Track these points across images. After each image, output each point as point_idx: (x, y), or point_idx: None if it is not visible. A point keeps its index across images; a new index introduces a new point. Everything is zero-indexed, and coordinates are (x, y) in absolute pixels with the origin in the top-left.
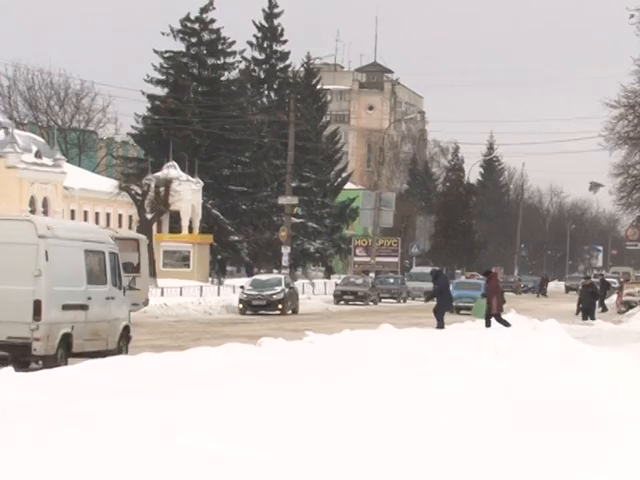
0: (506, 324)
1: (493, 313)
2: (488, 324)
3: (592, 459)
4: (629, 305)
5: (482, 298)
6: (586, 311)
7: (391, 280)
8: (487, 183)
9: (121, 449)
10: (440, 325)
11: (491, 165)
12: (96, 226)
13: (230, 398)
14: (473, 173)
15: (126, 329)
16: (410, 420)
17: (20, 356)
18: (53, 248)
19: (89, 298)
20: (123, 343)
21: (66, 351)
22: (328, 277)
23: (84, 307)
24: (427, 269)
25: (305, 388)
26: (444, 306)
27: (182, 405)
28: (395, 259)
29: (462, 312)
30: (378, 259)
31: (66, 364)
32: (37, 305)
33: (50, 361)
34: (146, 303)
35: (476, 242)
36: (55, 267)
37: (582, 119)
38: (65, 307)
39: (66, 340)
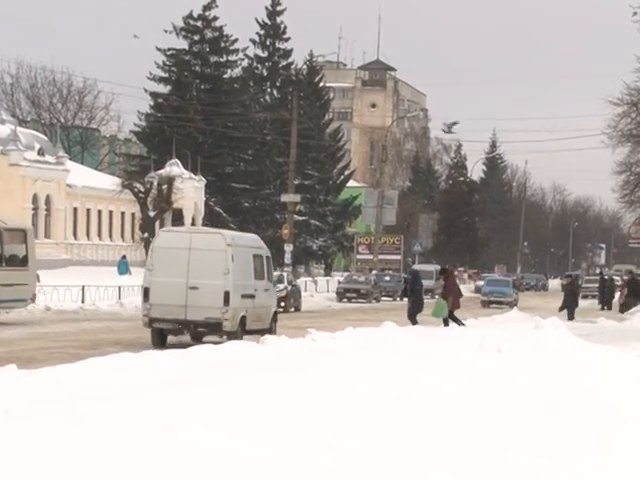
0: (447, 323)
1: (449, 309)
2: (450, 322)
3: (597, 455)
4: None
5: (441, 298)
6: (568, 310)
7: (387, 278)
8: (490, 181)
9: (126, 447)
10: (414, 322)
11: (494, 163)
12: (257, 236)
13: (233, 396)
14: (476, 171)
15: (275, 313)
16: (414, 418)
17: (213, 332)
18: (236, 253)
19: (255, 290)
20: (273, 323)
21: (242, 329)
22: (328, 274)
23: (252, 296)
24: (428, 267)
25: (308, 387)
26: (417, 308)
27: (185, 403)
28: (398, 257)
29: (492, 306)
30: (381, 257)
31: (242, 339)
32: (226, 295)
33: (233, 336)
34: (33, 299)
35: (479, 240)
36: (237, 267)
37: (585, 117)
38: (243, 296)
39: (243, 321)
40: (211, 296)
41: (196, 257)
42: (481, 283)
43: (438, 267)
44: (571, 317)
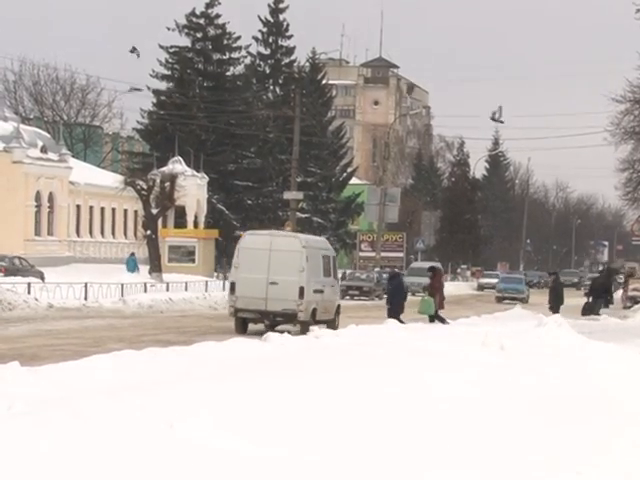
0: (443, 321)
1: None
2: (433, 320)
3: (597, 454)
4: (635, 300)
5: (427, 295)
6: (553, 308)
7: (385, 275)
8: (492, 178)
9: (128, 444)
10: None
11: (496, 160)
12: (324, 239)
13: (235, 393)
14: (478, 168)
15: (338, 306)
16: (418, 416)
17: (289, 321)
18: (309, 254)
19: (324, 286)
20: (337, 315)
21: (313, 319)
22: None
23: (322, 291)
24: (427, 264)
25: (310, 384)
26: (397, 309)
27: (188, 400)
28: (400, 254)
29: (506, 302)
30: (383, 254)
31: (310, 328)
32: (301, 289)
33: (306, 325)
34: None
35: (481, 237)
36: (310, 266)
37: (588, 114)
38: (314, 291)
39: (314, 312)
40: (288, 290)
41: (276, 257)
42: (484, 281)
43: (438, 265)
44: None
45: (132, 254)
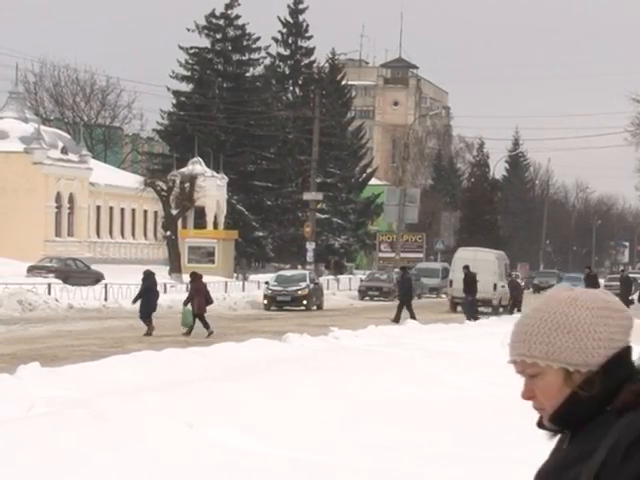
0: (206, 325)
1: (195, 314)
2: (190, 332)
3: None
4: None
5: (185, 305)
6: (406, 306)
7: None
8: (512, 179)
9: (145, 444)
10: (149, 332)
11: (516, 161)
12: (503, 252)
13: (255, 393)
14: (498, 169)
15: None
16: (437, 415)
17: (485, 305)
18: (498, 263)
19: (502, 283)
20: (509, 302)
21: (499, 304)
22: (331, 273)
23: (504, 286)
24: (434, 265)
25: (330, 384)
26: (148, 308)
27: (207, 400)
28: (420, 255)
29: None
30: (403, 255)
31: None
32: (494, 285)
33: (496, 308)
34: None
35: (501, 238)
36: (498, 270)
37: (608, 114)
38: (501, 286)
39: (500, 300)
40: (487, 285)
41: (479, 264)
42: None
43: (446, 265)
44: (411, 315)
45: None
